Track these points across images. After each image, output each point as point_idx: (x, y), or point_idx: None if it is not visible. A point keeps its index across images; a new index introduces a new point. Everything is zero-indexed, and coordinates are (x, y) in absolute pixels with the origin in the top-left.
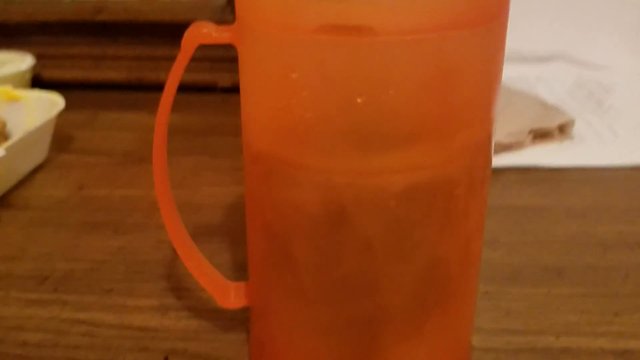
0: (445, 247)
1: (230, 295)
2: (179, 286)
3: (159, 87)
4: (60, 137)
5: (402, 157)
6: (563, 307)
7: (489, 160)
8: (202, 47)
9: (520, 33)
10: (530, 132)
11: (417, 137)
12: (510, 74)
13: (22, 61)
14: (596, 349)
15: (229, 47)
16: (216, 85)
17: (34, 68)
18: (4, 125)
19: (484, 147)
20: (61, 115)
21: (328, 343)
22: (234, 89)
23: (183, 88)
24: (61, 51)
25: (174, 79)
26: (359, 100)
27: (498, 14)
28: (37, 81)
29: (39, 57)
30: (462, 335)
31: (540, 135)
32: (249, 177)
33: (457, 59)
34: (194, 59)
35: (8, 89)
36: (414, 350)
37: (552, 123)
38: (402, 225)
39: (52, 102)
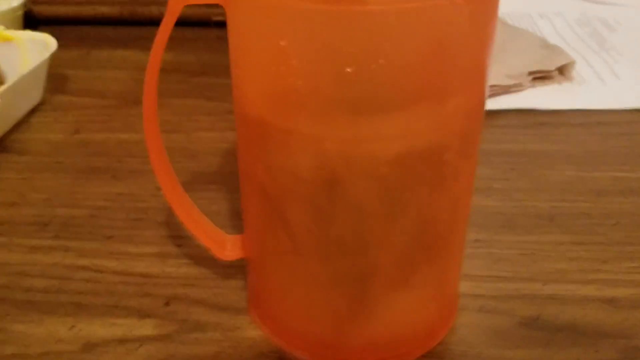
0: (434, 208)
1: (226, 247)
2: (178, 234)
3: (151, 22)
4: (55, 77)
5: (393, 125)
6: (553, 255)
7: (480, 125)
8: None
9: None
10: (529, 73)
11: (408, 106)
12: (513, 9)
13: None
14: (583, 296)
15: None
16: (210, 19)
17: (25, 6)
18: None
19: (475, 114)
20: (54, 53)
21: (321, 295)
22: None
23: (176, 23)
24: None
25: (160, 42)
26: (348, 69)
27: None
28: (29, 18)
29: None
30: (448, 285)
31: (540, 77)
32: (241, 135)
33: (449, 28)
34: None
35: (0, 30)
36: (401, 300)
37: (552, 65)
38: (392, 190)
39: (45, 43)
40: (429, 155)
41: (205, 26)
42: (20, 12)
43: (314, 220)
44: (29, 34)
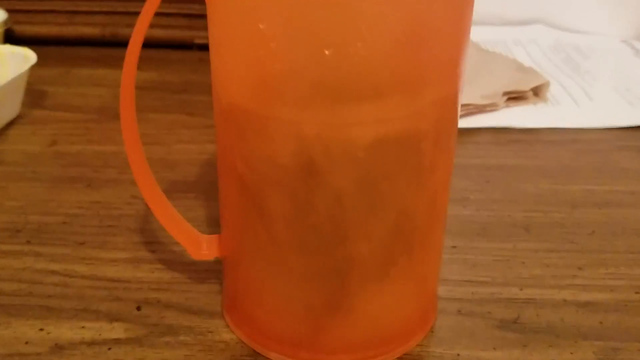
0: (413, 199)
1: (202, 247)
2: (152, 240)
3: None
4: (34, 93)
5: (370, 110)
6: (529, 261)
7: (455, 116)
8: (178, 3)
9: None
10: (504, 94)
11: (385, 91)
12: (489, 37)
13: None
14: (559, 300)
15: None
16: (192, 42)
17: (6, 24)
18: None
19: (451, 103)
20: (35, 71)
21: (297, 290)
22: None
23: (160, 45)
24: (34, 5)
25: (143, 21)
26: (326, 52)
27: None
28: (10, 37)
29: (11, 11)
30: (426, 282)
31: (515, 97)
32: (220, 130)
33: (425, 16)
34: (170, 15)
35: None
36: (380, 295)
37: (527, 86)
38: (370, 177)
39: (24, 57)
40: (405, 141)
41: (188, 49)
42: (1, 30)
43: (292, 209)
44: (8, 47)
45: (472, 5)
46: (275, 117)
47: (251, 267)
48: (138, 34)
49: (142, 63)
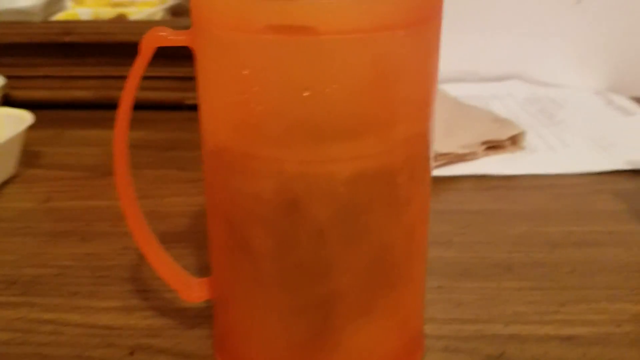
0: (391, 233)
1: (193, 289)
2: (144, 288)
3: None
4: (29, 153)
5: (347, 147)
6: (512, 299)
7: (427, 152)
8: (169, 66)
9: (477, 56)
10: (482, 143)
11: (360, 129)
12: (467, 92)
13: None
14: (542, 335)
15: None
16: (183, 102)
17: (3, 89)
18: None
19: (422, 140)
20: (29, 132)
21: (285, 326)
22: None
23: (151, 106)
24: (30, 71)
25: (133, 80)
26: (305, 94)
27: (431, 17)
28: (7, 101)
29: (8, 77)
30: (410, 317)
31: (493, 146)
32: (207, 171)
33: (394, 57)
34: (161, 78)
35: None
36: (364, 329)
37: (503, 135)
38: (350, 211)
39: (20, 118)
40: (381, 176)
41: (179, 109)
42: None
43: (276, 245)
44: (5, 110)
45: (438, 50)
46: (258, 155)
47: (239, 305)
48: (128, 91)
49: (134, 123)
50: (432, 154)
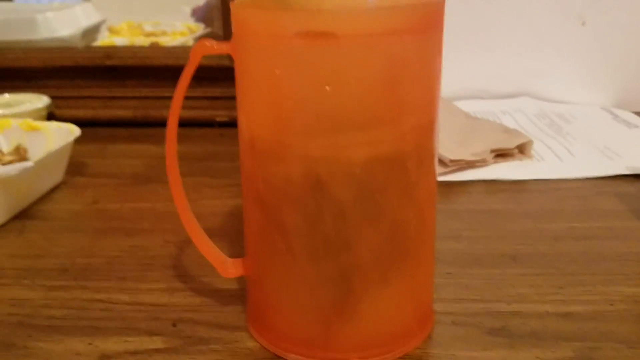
0: (403, 211)
1: (229, 267)
2: (184, 274)
3: (163, 124)
4: (75, 164)
5: (363, 135)
6: (515, 283)
7: (433, 141)
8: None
9: (488, 75)
10: (492, 151)
11: (373, 119)
12: (479, 109)
13: (39, 100)
14: (542, 312)
15: (226, 86)
16: (214, 120)
17: (49, 108)
18: (25, 151)
19: (428, 129)
20: (75, 146)
21: (311, 295)
22: (230, 124)
23: (185, 124)
24: (74, 92)
25: (184, 81)
26: (327, 88)
27: (434, 25)
28: (52, 119)
29: (54, 98)
30: (421, 290)
31: (502, 154)
32: (244, 160)
33: (402, 58)
34: (194, 98)
35: (28, 121)
36: (380, 298)
37: (512, 144)
38: (367, 191)
39: (69, 131)
40: (393, 160)
41: (210, 126)
42: (44, 113)
43: (303, 221)
44: (54, 123)
45: (441, 52)
46: (288, 142)
47: (270, 278)
48: (179, 91)
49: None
50: (437, 144)
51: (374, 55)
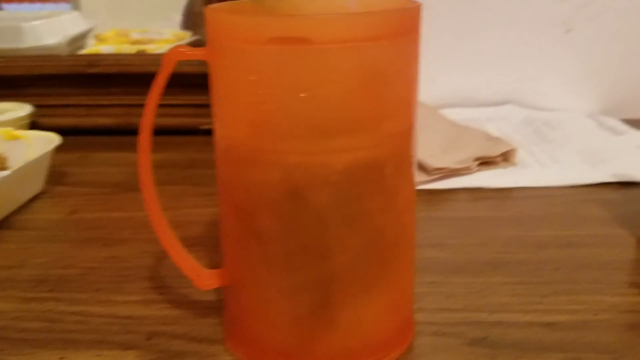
0: (382, 217)
1: (205, 278)
2: (160, 285)
3: None
4: (55, 173)
5: (340, 141)
6: (498, 292)
7: (412, 147)
8: (186, 94)
9: (474, 83)
10: (476, 159)
11: (350, 125)
12: (465, 116)
13: (21, 109)
14: (524, 322)
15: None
16: (199, 128)
17: (32, 116)
18: (5, 160)
19: (406, 135)
20: (56, 155)
21: (289, 304)
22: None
23: (169, 131)
24: (58, 101)
25: (157, 88)
26: (302, 95)
27: (410, 30)
28: (35, 128)
29: (37, 106)
30: (402, 300)
31: (486, 162)
32: (220, 167)
33: (378, 63)
34: (179, 105)
35: (9, 130)
36: (360, 308)
37: (496, 152)
38: (345, 198)
39: (49, 140)
40: (370, 166)
41: (194, 134)
42: (27, 121)
43: (281, 229)
44: (35, 132)
45: (418, 58)
46: (265, 148)
47: (248, 287)
48: (152, 98)
49: (154, 146)
50: (416, 150)
51: (350, 61)
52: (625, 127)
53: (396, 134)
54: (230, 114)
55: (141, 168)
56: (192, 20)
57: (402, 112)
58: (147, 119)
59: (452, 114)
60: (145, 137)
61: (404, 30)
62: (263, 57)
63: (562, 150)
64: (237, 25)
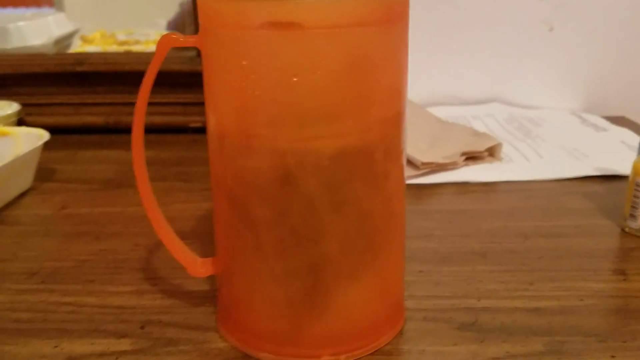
0: (371, 202)
1: (199, 266)
2: (154, 276)
3: None
4: (44, 170)
5: (330, 127)
6: (485, 280)
7: (400, 133)
8: (175, 93)
9: (459, 81)
10: (462, 154)
11: (340, 111)
12: (450, 114)
13: (8, 107)
14: (512, 308)
15: (200, 92)
16: (188, 126)
17: (19, 114)
18: None
19: (395, 122)
20: (45, 152)
21: (281, 289)
22: (204, 130)
23: (158, 129)
24: (45, 100)
25: (150, 74)
26: (294, 79)
27: (398, 18)
28: (22, 126)
29: (25, 105)
30: (392, 285)
31: (472, 157)
32: (213, 155)
33: (366, 49)
34: (168, 104)
35: None
36: (351, 292)
37: (481, 147)
38: (335, 183)
39: (38, 136)
40: (360, 152)
41: (184, 132)
42: (14, 119)
43: (273, 214)
44: (24, 128)
45: (406, 45)
46: (256, 134)
47: (240, 275)
48: (145, 86)
49: (144, 144)
50: (405, 137)
51: (339, 46)
52: (607, 124)
53: (385, 120)
54: (223, 101)
55: (135, 152)
56: (177, 21)
57: (391, 98)
58: (141, 104)
59: (438, 112)
60: (139, 119)
61: (392, 17)
62: (254, 42)
63: (546, 145)
64: (228, 10)
